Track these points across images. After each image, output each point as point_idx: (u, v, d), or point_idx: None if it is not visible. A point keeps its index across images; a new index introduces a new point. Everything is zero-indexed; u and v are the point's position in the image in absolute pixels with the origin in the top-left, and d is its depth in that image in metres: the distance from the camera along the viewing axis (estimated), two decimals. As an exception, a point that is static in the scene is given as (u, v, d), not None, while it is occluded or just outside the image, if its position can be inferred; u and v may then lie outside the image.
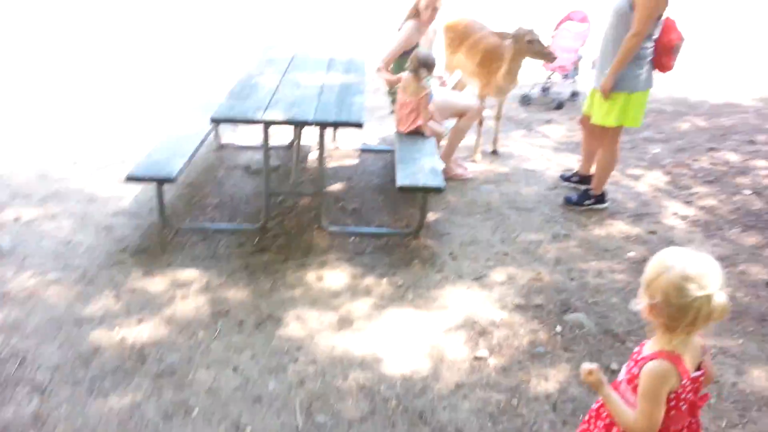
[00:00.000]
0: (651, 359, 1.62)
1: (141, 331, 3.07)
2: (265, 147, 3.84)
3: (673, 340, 1.61)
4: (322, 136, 3.83)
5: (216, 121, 3.54)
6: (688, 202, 4.64)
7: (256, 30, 9.62)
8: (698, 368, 1.69)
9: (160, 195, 3.90)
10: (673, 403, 1.64)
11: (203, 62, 7.89)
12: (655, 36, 3.89)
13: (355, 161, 5.14)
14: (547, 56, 4.67)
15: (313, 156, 5.13)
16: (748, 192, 4.84)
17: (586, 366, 1.73)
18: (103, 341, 3.00)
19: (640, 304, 1.64)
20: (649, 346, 1.69)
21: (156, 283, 3.44)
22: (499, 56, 4.75)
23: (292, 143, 5.09)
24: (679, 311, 1.55)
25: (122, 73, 7.25)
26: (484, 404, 2.70)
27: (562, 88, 6.94)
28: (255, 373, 2.84)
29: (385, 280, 3.55)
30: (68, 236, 3.87)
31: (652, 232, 4.15)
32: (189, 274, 3.54)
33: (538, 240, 4.00)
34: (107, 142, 5.28)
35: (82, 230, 3.95)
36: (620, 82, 3.93)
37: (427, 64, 4.23)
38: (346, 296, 3.39)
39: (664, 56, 3.89)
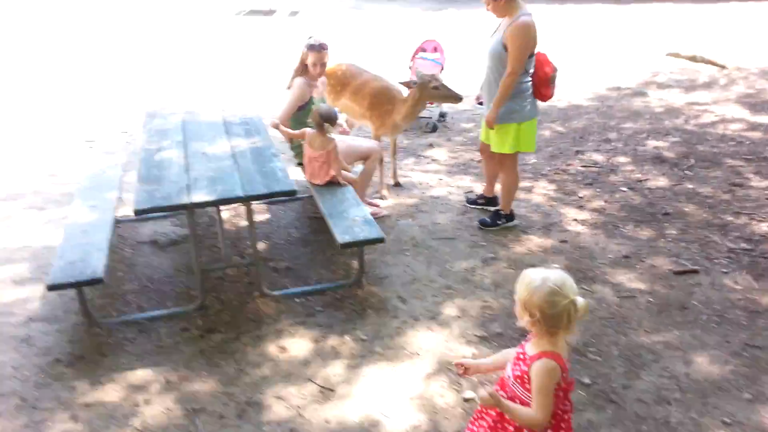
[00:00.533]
0: (538, 359, 1.98)
1: (117, 451, 2.82)
2: (192, 230, 3.68)
3: (555, 342, 2.00)
4: (249, 207, 3.76)
5: (139, 213, 3.33)
6: (581, 207, 5.15)
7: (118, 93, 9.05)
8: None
9: (82, 296, 3.60)
10: (558, 393, 2.03)
11: (63, 133, 7.28)
12: (531, 71, 4.31)
13: (266, 216, 5.06)
14: (453, 98, 4.91)
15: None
16: (624, 189, 5.47)
17: (483, 393, 2.03)
18: (77, 473, 2.72)
19: (523, 320, 2.02)
20: (532, 347, 2.04)
21: (110, 393, 3.18)
22: (389, 98, 4.97)
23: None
24: (554, 318, 1.94)
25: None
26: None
27: (429, 112, 7.30)
28: (259, 467, 2.74)
29: (347, 337, 3.56)
30: (-20, 359, 3.43)
31: (564, 241, 4.56)
32: (141, 374, 3.30)
33: (471, 267, 4.23)
34: (-18, 239, 4.72)
35: (-5, 349, 3.52)
36: (509, 115, 4.32)
37: (329, 119, 4.31)
38: (317, 363, 3.36)
39: (542, 87, 4.34)
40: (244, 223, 4.89)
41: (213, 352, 3.45)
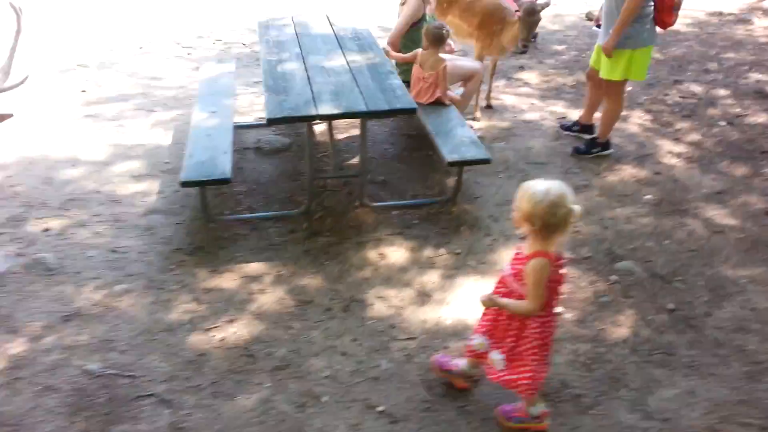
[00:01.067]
0: (533, 257, 2.24)
1: (237, 331, 3.18)
2: (311, 140, 3.89)
3: (548, 243, 2.24)
4: (364, 123, 3.92)
5: (272, 122, 3.54)
6: (676, 139, 5.08)
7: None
8: (558, 258, 2.34)
9: (204, 194, 3.91)
10: (549, 285, 2.31)
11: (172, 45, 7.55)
12: None
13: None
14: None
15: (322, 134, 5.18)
16: (723, 123, 5.33)
17: (483, 298, 2.47)
18: (204, 345, 3.09)
19: (522, 229, 2.27)
20: (528, 248, 2.30)
21: (228, 281, 3.52)
22: (499, 18, 4.91)
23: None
24: (555, 226, 2.18)
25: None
26: (576, 355, 3.04)
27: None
28: (363, 355, 3.04)
29: (442, 250, 3.77)
30: (111, 243, 3.83)
31: (658, 173, 4.56)
32: (255, 267, 3.63)
33: (563, 192, 4.32)
34: (101, 138, 5.09)
35: (122, 235, 3.91)
36: (624, 40, 4.21)
37: (442, 38, 4.35)
38: (414, 271, 3.60)
39: (665, 14, 4.19)
40: (340, 135, 5.09)
41: (318, 252, 3.74)
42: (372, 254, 3.74)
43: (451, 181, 4.46)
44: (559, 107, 5.60)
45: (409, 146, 4.96)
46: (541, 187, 2.19)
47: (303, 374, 2.93)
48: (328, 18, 5.20)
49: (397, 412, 2.74)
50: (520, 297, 2.36)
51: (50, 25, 7.47)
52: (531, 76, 6.37)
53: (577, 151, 4.77)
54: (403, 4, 4.77)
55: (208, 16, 8.23)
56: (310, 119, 3.67)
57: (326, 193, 4.33)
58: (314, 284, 3.49)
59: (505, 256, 3.70)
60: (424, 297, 3.40)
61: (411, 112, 3.77)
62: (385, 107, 3.69)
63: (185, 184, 3.67)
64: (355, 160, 4.65)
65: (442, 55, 4.43)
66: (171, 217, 4.09)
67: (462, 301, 3.36)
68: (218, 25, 7.83)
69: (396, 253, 3.75)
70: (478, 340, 2.60)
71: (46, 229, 3.94)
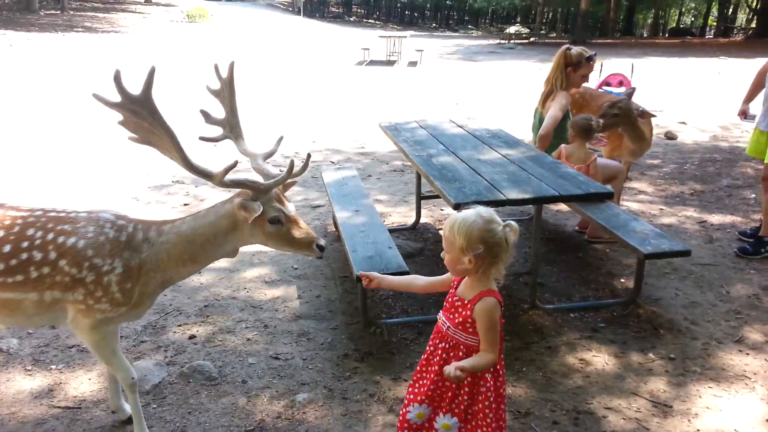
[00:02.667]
0: (480, 298, 2.02)
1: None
2: (537, 227, 3.62)
3: (488, 279, 2.05)
4: (540, 211, 3.63)
5: (458, 207, 3.25)
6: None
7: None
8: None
9: (364, 295, 3.53)
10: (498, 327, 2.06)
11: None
12: None
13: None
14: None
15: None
16: None
17: (451, 372, 1.99)
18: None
19: (463, 263, 2.02)
20: (469, 290, 2.08)
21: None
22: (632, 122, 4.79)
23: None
24: (497, 246, 1.99)
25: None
26: None
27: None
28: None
29: (651, 354, 3.30)
30: (269, 349, 3.38)
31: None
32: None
33: (754, 293, 3.91)
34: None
35: (276, 341, 3.47)
36: None
37: (590, 129, 4.18)
38: (632, 378, 3.11)
39: None
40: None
41: (507, 357, 3.26)
42: (571, 360, 3.27)
43: (622, 282, 4.08)
44: (691, 212, 5.33)
45: (551, 248, 4.62)
46: (469, 212, 2.04)
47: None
48: (452, 121, 5.09)
49: None
50: (469, 350, 2.09)
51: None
52: (642, 185, 6.17)
53: (743, 252, 4.41)
54: (550, 99, 4.66)
55: (290, 135, 8.25)
56: (499, 204, 3.36)
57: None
58: (522, 393, 2.99)
59: (728, 361, 3.23)
60: (664, 408, 2.88)
61: (607, 196, 3.47)
62: (578, 192, 3.40)
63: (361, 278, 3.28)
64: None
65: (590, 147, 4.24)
66: (323, 323, 3.66)
67: (712, 412, 2.84)
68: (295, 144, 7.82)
69: (598, 359, 3.27)
70: (416, 411, 2.22)
71: (192, 336, 3.50)
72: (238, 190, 2.50)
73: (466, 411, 2.14)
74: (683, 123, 9.24)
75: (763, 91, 4.30)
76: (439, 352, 2.17)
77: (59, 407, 2.89)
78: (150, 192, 5.95)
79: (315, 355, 3.33)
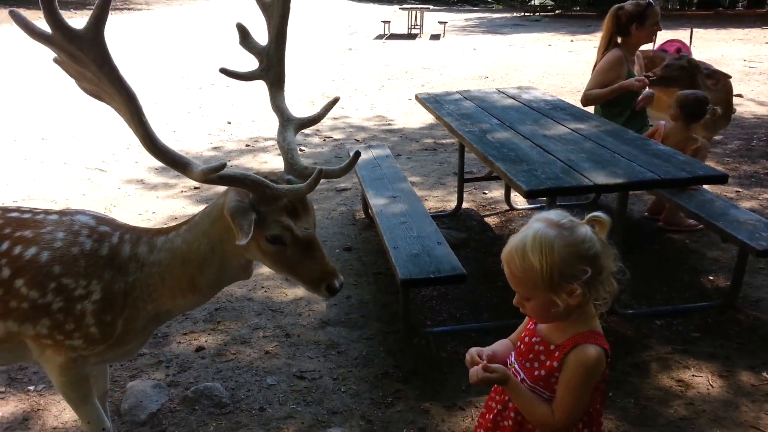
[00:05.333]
0: (575, 345, 1.39)
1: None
2: (620, 217, 2.95)
3: (587, 314, 1.41)
4: (626, 199, 2.98)
5: (531, 195, 2.61)
6: None
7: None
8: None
9: (407, 300, 2.92)
10: (601, 385, 1.47)
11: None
12: None
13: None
14: None
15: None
16: None
17: (479, 369, 1.42)
18: None
19: (558, 306, 1.37)
20: (558, 332, 1.44)
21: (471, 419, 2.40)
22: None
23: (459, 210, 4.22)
24: (600, 257, 1.37)
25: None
26: None
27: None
28: None
29: (764, 374, 2.66)
30: (291, 366, 2.79)
31: None
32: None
33: None
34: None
35: (300, 355, 2.89)
36: None
37: (701, 113, 3.53)
38: (747, 406, 2.49)
39: None
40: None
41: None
42: (666, 381, 2.64)
43: (711, 281, 3.42)
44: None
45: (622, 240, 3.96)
46: (534, 228, 1.39)
47: None
48: (501, 91, 4.42)
49: None
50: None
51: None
52: (709, 164, 5.44)
53: None
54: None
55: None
56: (585, 191, 2.72)
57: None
58: (613, 428, 2.37)
59: None
60: (795, 447, 2.25)
61: (721, 180, 2.81)
62: (684, 175, 2.73)
63: (408, 283, 2.67)
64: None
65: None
66: (355, 331, 3.07)
67: None
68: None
69: (699, 380, 2.64)
70: None
71: (199, 348, 2.92)
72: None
73: None
74: (739, 95, 8.43)
75: None
76: (511, 414, 1.53)
77: (33, 444, 2.33)
78: (156, 174, 5.36)
79: (348, 374, 2.74)
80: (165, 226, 1.94)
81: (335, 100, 1.97)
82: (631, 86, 3.84)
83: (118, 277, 1.75)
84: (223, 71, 2.01)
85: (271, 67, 1.99)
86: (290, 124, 1.96)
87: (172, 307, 1.86)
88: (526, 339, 1.51)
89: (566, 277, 1.34)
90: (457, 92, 4.44)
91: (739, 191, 4.74)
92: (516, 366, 1.52)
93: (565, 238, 1.35)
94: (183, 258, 1.79)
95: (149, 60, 11.26)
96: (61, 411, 2.50)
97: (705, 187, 3.61)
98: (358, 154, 1.84)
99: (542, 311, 1.41)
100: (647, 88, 3.94)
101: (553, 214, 1.41)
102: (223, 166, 1.60)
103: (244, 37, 2.01)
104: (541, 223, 1.39)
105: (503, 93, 4.34)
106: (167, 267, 1.78)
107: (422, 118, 7.14)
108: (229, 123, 7.13)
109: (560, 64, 10.60)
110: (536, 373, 1.45)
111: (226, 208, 1.66)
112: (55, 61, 1.59)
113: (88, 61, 1.51)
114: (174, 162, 1.65)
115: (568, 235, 1.36)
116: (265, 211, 1.68)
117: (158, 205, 4.70)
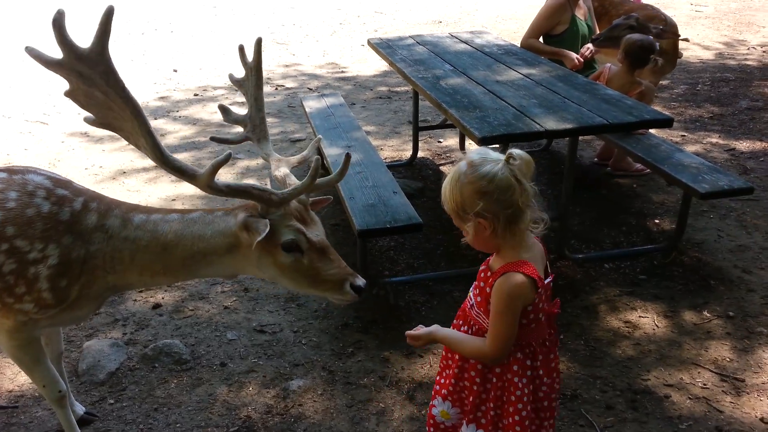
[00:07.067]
0: (501, 273, 1.47)
1: None
2: (571, 160, 3.01)
3: (519, 245, 1.49)
4: (576, 144, 3.03)
5: (485, 141, 2.62)
6: None
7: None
8: (546, 274, 1.56)
9: (364, 248, 2.93)
10: (532, 316, 1.51)
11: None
12: None
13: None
14: None
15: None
16: None
17: (411, 333, 1.64)
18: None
19: (468, 234, 1.52)
20: (495, 260, 1.55)
21: (433, 368, 2.48)
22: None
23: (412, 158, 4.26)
24: (504, 190, 1.43)
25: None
26: None
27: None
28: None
29: (705, 313, 2.81)
30: (251, 320, 2.80)
31: None
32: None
33: (805, 234, 3.43)
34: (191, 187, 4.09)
35: (260, 309, 2.89)
36: None
37: (645, 61, 3.58)
38: (690, 344, 2.63)
39: None
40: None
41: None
42: (614, 322, 2.76)
43: (657, 224, 3.55)
44: (716, 138, 4.78)
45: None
46: (456, 170, 1.49)
47: None
48: (453, 35, 4.38)
49: None
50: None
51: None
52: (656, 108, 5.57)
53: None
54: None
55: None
56: (535, 137, 2.76)
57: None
58: (564, 369, 2.48)
59: (797, 319, 2.75)
60: (735, 383, 2.40)
61: (667, 123, 2.89)
62: (631, 119, 2.80)
63: (365, 234, 2.68)
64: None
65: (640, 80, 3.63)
66: (314, 283, 3.07)
67: (792, 387, 2.37)
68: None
69: (645, 320, 2.77)
70: (440, 407, 1.73)
71: (156, 305, 2.90)
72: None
73: (495, 424, 1.61)
74: (686, 39, 8.56)
75: None
76: (456, 357, 1.66)
77: (-11, 409, 2.30)
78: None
79: (308, 326, 2.77)
80: (142, 205, 1.91)
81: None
82: (566, 61, 3.89)
83: (78, 243, 1.70)
84: (214, 139, 2.24)
85: (255, 127, 2.18)
86: (284, 163, 2.09)
87: (135, 282, 1.85)
88: (480, 270, 1.59)
89: (471, 210, 1.44)
90: (410, 37, 4.38)
91: (684, 135, 4.88)
92: (470, 294, 1.62)
93: (467, 176, 1.45)
94: (166, 246, 1.77)
95: (88, 3, 10.66)
96: (16, 374, 2.47)
97: (651, 131, 3.71)
98: (349, 156, 1.83)
99: (473, 239, 1.51)
100: (591, 47, 3.97)
101: (474, 154, 1.49)
102: (228, 157, 1.63)
103: (226, 113, 2.22)
104: (462, 162, 1.49)
105: (456, 38, 4.30)
106: (144, 248, 1.76)
107: (376, 65, 7.03)
108: (176, 71, 6.88)
109: (513, 9, 10.52)
110: (478, 299, 1.57)
111: (239, 219, 1.73)
112: (67, 94, 1.60)
113: (97, 76, 1.53)
114: (182, 172, 1.69)
115: (471, 172, 1.44)
116: (275, 220, 1.72)
117: (105, 158, 4.55)
